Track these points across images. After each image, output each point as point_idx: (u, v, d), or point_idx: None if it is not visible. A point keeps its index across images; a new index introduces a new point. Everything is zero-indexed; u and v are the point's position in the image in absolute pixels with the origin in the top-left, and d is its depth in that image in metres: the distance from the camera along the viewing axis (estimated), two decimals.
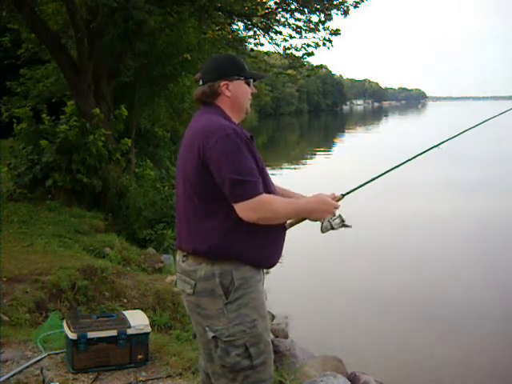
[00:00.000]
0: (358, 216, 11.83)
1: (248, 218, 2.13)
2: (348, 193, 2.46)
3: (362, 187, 2.53)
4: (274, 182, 2.44)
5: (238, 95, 2.33)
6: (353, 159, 25.17)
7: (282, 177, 18.63)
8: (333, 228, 2.33)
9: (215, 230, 2.16)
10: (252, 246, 2.20)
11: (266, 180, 2.24)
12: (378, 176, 2.61)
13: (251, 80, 2.39)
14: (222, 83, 2.30)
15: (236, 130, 2.17)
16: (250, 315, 2.19)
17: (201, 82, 2.35)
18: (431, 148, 2.86)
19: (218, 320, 2.19)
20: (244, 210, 2.11)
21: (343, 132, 51.48)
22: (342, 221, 2.33)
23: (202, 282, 2.19)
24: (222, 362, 2.21)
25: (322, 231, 2.35)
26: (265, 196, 2.15)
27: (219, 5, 10.83)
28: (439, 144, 2.89)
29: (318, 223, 2.35)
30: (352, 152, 29.50)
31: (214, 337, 2.20)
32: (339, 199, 2.40)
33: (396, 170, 2.67)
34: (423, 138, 36.85)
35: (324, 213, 2.29)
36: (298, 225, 2.41)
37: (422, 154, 2.78)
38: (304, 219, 2.33)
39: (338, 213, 2.33)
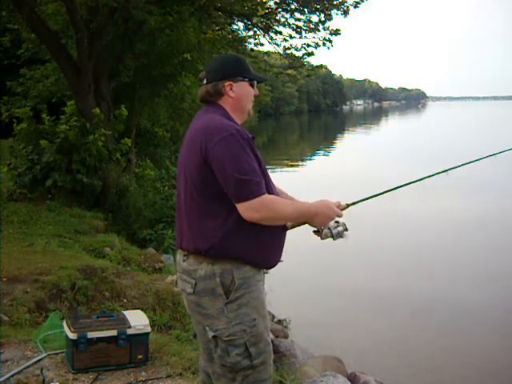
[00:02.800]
0: (359, 217, 11.83)
1: (251, 218, 2.12)
2: (354, 203, 2.46)
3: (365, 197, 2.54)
4: (275, 185, 2.43)
5: (241, 96, 2.32)
6: (352, 159, 25.18)
7: (281, 177, 18.62)
8: (332, 236, 2.32)
9: (216, 229, 2.16)
10: (253, 246, 2.20)
11: (267, 181, 2.23)
12: (386, 191, 2.63)
13: (255, 82, 2.38)
14: (227, 83, 2.28)
15: (239, 130, 2.16)
16: (250, 315, 2.19)
17: (205, 81, 2.33)
18: (439, 172, 2.86)
19: (218, 319, 2.19)
20: (247, 209, 2.11)
21: (343, 132, 51.48)
22: (346, 230, 2.32)
23: (203, 282, 2.19)
24: (222, 362, 2.21)
25: (322, 238, 2.35)
26: (268, 196, 2.15)
27: (219, 5, 10.83)
28: (448, 169, 2.88)
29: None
30: (352, 152, 29.51)
31: (214, 336, 2.20)
32: (344, 208, 2.39)
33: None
34: (422, 140, 36.93)
35: (326, 218, 2.28)
36: (298, 227, 2.40)
37: (429, 176, 2.80)
38: (305, 223, 2.33)
39: (341, 221, 2.33)
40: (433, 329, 6.68)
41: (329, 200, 2.32)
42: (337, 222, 2.33)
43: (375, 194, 2.59)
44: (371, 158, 25.08)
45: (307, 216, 2.27)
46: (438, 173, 2.87)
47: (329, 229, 2.32)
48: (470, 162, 3.08)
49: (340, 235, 2.33)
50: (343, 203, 2.40)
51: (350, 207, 2.44)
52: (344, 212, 2.36)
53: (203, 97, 2.34)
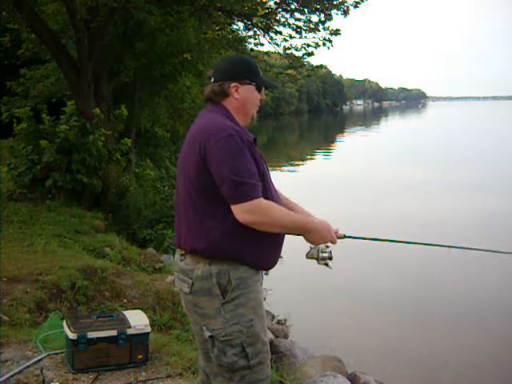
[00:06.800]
0: (359, 216, 11.87)
1: (244, 221, 2.11)
2: (350, 237, 2.42)
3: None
4: (279, 191, 2.41)
5: (246, 99, 2.30)
6: (352, 160, 25.20)
7: (281, 177, 18.62)
8: (317, 259, 2.29)
9: (214, 229, 2.16)
10: (250, 247, 2.19)
11: (266, 186, 2.21)
12: (386, 240, 2.60)
13: (262, 87, 2.36)
14: (232, 85, 2.27)
15: (238, 132, 2.15)
16: (246, 315, 2.19)
17: (212, 80, 2.32)
18: (443, 246, 2.83)
19: (214, 319, 2.18)
20: (241, 211, 2.10)
21: (343, 132, 51.50)
22: (330, 258, 2.29)
23: (199, 282, 2.19)
24: (218, 362, 2.21)
25: (306, 256, 2.33)
26: (263, 201, 2.13)
27: (219, 5, 10.83)
28: (451, 247, 2.86)
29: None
30: (351, 152, 29.52)
31: (210, 336, 2.20)
32: (340, 237, 2.36)
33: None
34: (422, 140, 36.96)
35: (321, 238, 2.25)
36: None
37: (432, 245, 2.82)
38: (299, 235, 2.28)
39: (330, 249, 2.30)
40: (433, 329, 6.68)
41: (329, 223, 2.30)
42: (327, 246, 2.30)
43: (375, 238, 2.56)
44: (371, 158, 25.09)
45: (303, 230, 2.23)
46: (442, 246, 2.84)
47: (317, 251, 2.28)
48: (474, 249, 3.08)
49: (324, 261, 2.29)
50: (341, 232, 2.37)
51: (346, 240, 2.39)
52: (338, 241, 2.33)
53: (209, 95, 2.33)
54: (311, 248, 2.31)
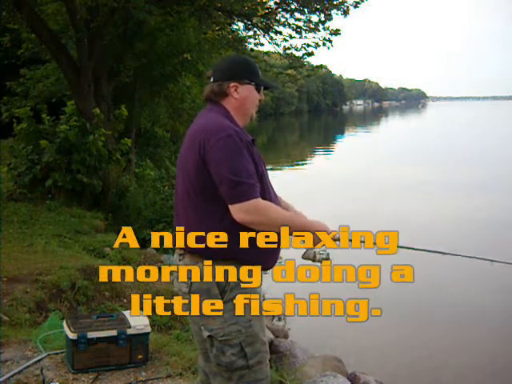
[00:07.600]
0: (359, 216, 11.86)
1: (242, 220, 2.10)
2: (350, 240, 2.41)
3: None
4: (278, 194, 2.41)
5: (245, 99, 2.30)
6: (352, 160, 25.20)
7: (281, 177, 18.62)
8: (314, 258, 2.30)
9: (212, 229, 2.15)
10: (249, 247, 2.18)
11: (264, 186, 2.21)
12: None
13: (261, 87, 2.37)
14: (232, 84, 2.28)
15: (238, 132, 2.15)
16: (245, 315, 2.18)
17: (211, 80, 2.32)
18: (439, 252, 2.79)
19: (213, 319, 2.18)
20: (238, 211, 2.09)
21: (343, 132, 51.50)
22: (327, 258, 2.30)
23: (198, 282, 2.18)
24: (217, 361, 2.21)
25: (303, 257, 2.34)
26: (261, 201, 2.13)
27: (219, 5, 10.84)
28: (447, 253, 2.81)
29: None
30: (351, 152, 29.53)
31: (209, 336, 2.20)
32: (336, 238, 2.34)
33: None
34: (422, 140, 36.96)
35: (319, 240, 2.25)
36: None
37: (427, 251, 2.80)
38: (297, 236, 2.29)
39: (328, 251, 2.31)
40: (433, 329, 6.68)
41: (326, 224, 2.30)
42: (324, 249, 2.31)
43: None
44: (371, 158, 25.10)
45: (299, 230, 2.23)
46: (437, 252, 2.79)
47: (314, 251, 2.29)
48: (467, 257, 3.00)
49: (319, 261, 2.31)
50: (337, 232, 2.36)
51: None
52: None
53: (208, 95, 2.33)
54: (307, 248, 2.32)
